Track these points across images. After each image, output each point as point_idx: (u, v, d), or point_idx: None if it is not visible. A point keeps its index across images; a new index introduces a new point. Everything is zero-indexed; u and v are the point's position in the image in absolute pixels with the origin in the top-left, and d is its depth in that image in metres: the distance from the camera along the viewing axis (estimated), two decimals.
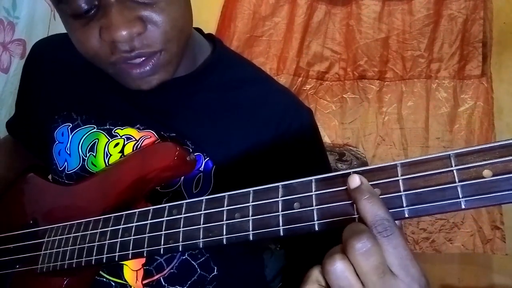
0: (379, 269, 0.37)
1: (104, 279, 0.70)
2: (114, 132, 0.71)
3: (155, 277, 0.69)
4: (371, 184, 0.41)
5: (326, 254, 0.40)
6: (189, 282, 0.69)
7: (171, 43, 0.59)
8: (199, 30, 0.76)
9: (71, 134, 0.73)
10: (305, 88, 2.09)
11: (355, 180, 0.41)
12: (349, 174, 0.42)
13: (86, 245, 0.60)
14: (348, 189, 0.41)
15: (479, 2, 1.89)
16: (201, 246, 0.49)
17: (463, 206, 0.36)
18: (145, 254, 0.54)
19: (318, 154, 0.75)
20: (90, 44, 0.58)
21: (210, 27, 2.06)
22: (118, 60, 0.58)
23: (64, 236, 0.64)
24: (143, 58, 0.58)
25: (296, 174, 0.50)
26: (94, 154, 0.71)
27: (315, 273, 0.41)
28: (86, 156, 0.72)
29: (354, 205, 0.41)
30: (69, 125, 0.74)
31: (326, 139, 2.01)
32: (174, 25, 0.58)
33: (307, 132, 0.72)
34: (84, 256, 0.60)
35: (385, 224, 0.38)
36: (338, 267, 0.38)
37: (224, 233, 0.47)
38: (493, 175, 0.35)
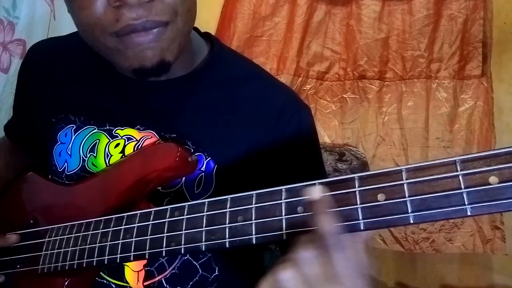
0: (322, 277, 0.40)
1: (105, 281, 0.70)
2: (115, 133, 0.71)
3: (157, 279, 0.69)
4: (375, 188, 0.41)
5: (278, 260, 0.43)
6: (191, 283, 0.69)
7: (178, 17, 0.58)
8: (196, 29, 0.76)
9: (74, 135, 0.73)
10: (305, 88, 2.08)
11: (315, 193, 0.43)
12: (353, 179, 0.42)
13: (88, 246, 0.60)
14: (309, 200, 0.43)
15: (479, 2, 1.88)
16: (203, 249, 0.49)
17: (468, 213, 0.36)
18: (147, 256, 0.54)
19: (315, 152, 0.75)
20: (94, 9, 0.56)
21: (210, 27, 2.06)
22: (123, 29, 0.56)
23: (65, 237, 0.64)
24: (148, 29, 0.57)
25: (293, 172, 0.50)
26: (95, 155, 0.71)
27: (270, 280, 0.43)
28: (86, 157, 0.71)
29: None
30: (73, 126, 0.73)
31: (326, 139, 2.01)
32: (183, 0, 0.58)
33: (305, 130, 0.72)
34: (85, 257, 0.60)
35: (334, 239, 0.40)
36: (287, 273, 0.41)
37: (227, 237, 0.47)
38: (499, 182, 0.35)
